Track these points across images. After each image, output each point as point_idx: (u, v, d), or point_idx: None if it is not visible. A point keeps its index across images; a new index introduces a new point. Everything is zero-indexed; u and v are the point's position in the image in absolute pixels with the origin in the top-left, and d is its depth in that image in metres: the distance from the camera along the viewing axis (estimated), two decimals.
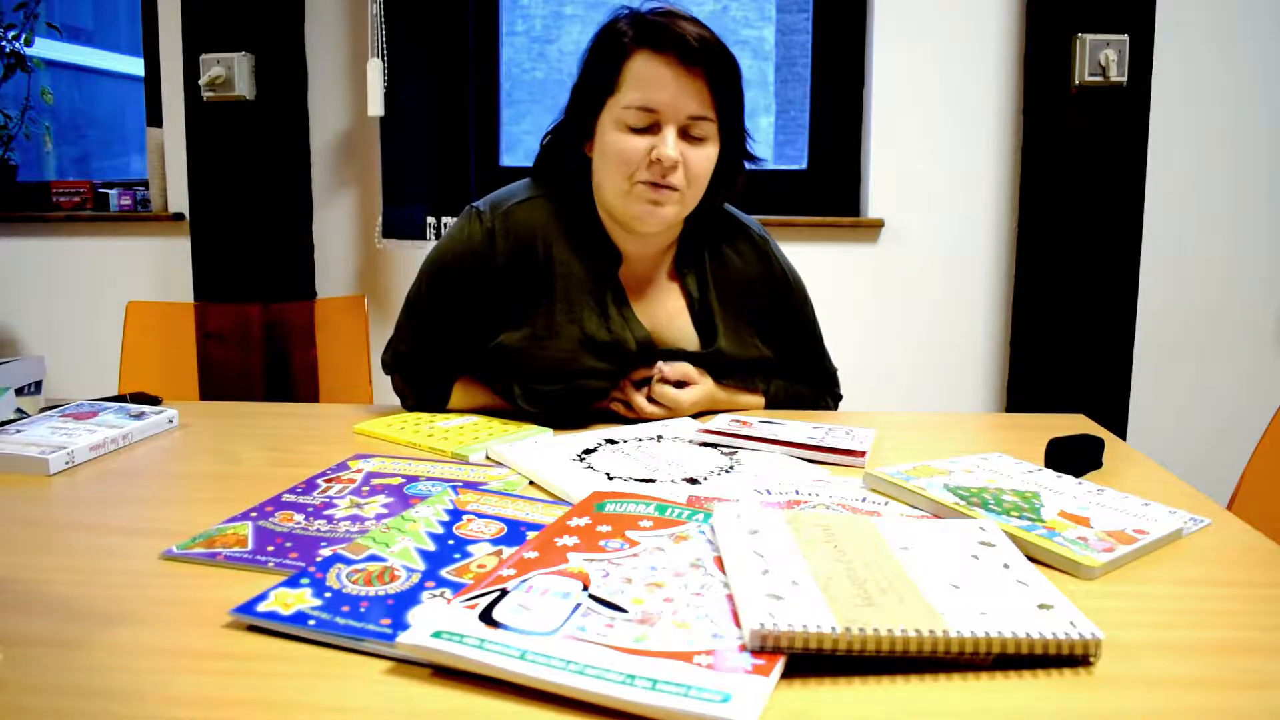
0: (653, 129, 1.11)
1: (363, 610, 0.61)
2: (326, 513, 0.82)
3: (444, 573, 0.68)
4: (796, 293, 1.31)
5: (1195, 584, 0.71)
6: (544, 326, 1.18)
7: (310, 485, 0.90)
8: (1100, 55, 2.11)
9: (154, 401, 1.24)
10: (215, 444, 1.11)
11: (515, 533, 0.76)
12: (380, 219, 2.35)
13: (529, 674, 0.53)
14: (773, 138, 2.63)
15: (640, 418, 1.19)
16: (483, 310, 1.20)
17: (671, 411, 1.20)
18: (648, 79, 1.09)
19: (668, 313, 1.24)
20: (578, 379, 1.17)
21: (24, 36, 2.66)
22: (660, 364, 1.21)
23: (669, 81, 1.09)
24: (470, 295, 1.20)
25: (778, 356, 1.29)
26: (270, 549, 0.74)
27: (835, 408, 1.38)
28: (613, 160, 1.13)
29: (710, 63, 1.10)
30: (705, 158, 1.13)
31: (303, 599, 0.63)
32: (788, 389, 1.32)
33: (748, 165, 1.23)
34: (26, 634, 0.61)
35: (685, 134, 1.11)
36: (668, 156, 1.09)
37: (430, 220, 2.33)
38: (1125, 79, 2.13)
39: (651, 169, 1.11)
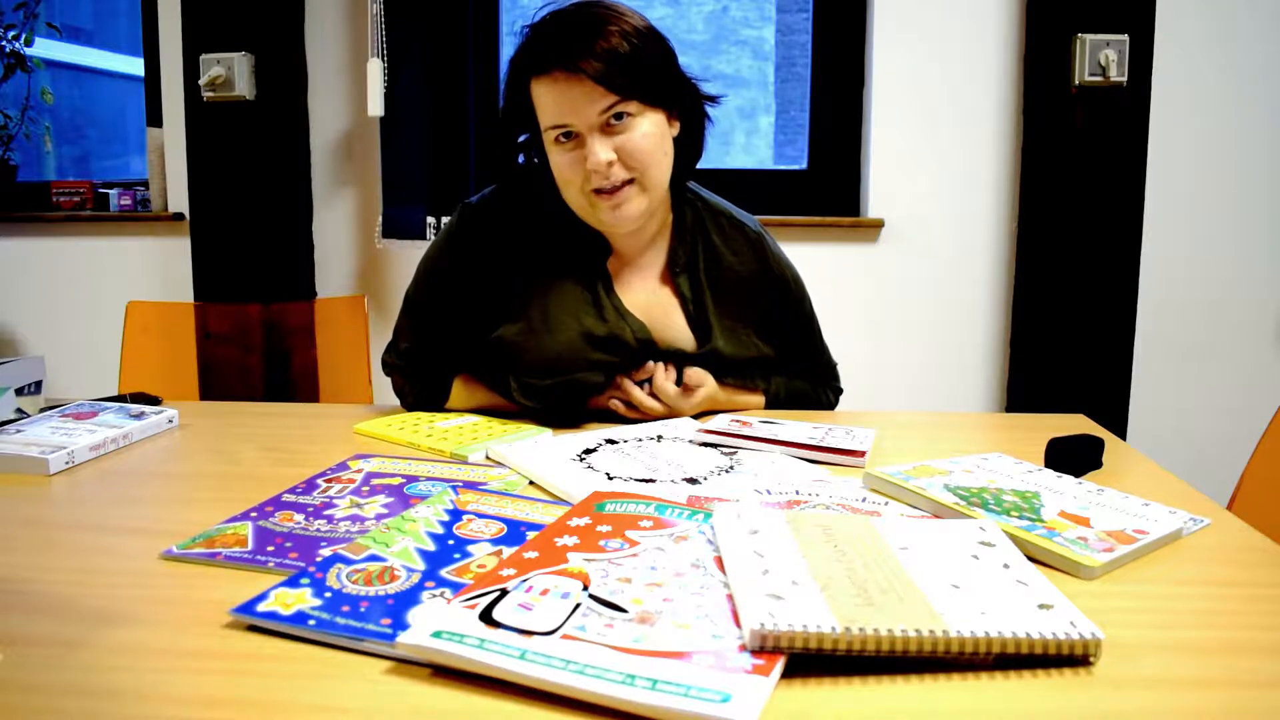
0: (579, 138, 1.10)
1: (363, 610, 0.61)
2: (326, 513, 0.82)
3: (444, 573, 0.68)
4: (794, 289, 1.30)
5: (1195, 584, 0.71)
6: (540, 318, 1.19)
7: (310, 485, 0.90)
8: (1100, 55, 2.11)
9: (154, 401, 1.24)
10: (215, 444, 1.11)
11: (515, 533, 0.76)
12: (380, 219, 2.35)
13: (529, 674, 0.53)
14: (773, 138, 2.63)
15: (640, 417, 1.19)
16: (478, 302, 1.21)
17: (672, 410, 1.20)
18: (549, 102, 1.09)
19: (663, 312, 1.24)
20: (574, 372, 1.18)
21: (24, 36, 2.66)
22: (660, 366, 1.21)
23: (565, 97, 1.08)
24: (466, 287, 1.21)
25: (776, 353, 1.29)
26: (270, 549, 0.74)
27: (836, 401, 1.38)
28: (561, 184, 1.14)
29: (593, 63, 1.06)
30: (641, 135, 1.10)
31: (303, 599, 0.63)
32: (788, 385, 1.32)
33: (709, 107, 1.20)
34: (26, 634, 0.61)
35: (609, 126, 1.09)
36: (599, 164, 1.09)
37: (430, 220, 2.33)
38: (1125, 79, 2.13)
39: (594, 178, 1.10)
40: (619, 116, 1.09)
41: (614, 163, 1.09)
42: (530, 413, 1.19)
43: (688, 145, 1.20)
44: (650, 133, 1.11)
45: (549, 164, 1.15)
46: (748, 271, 1.26)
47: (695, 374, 1.22)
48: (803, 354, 1.34)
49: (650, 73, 1.11)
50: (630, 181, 1.11)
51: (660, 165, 1.14)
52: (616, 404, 1.21)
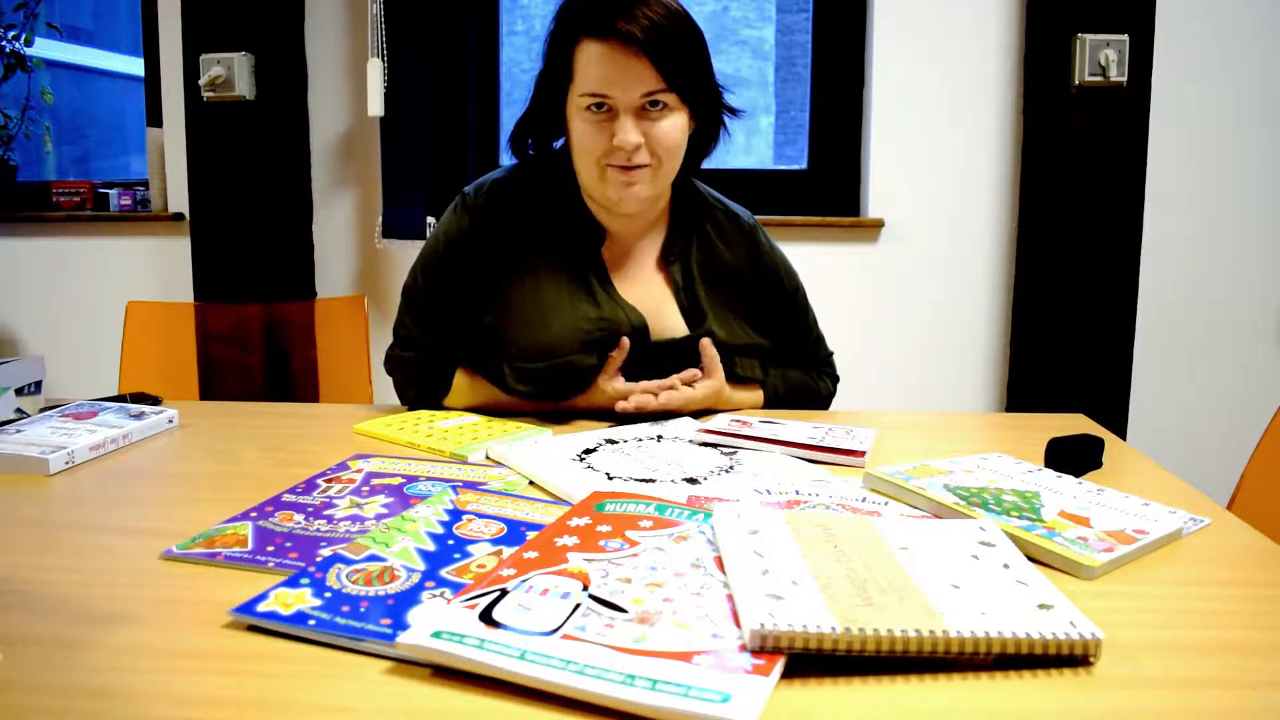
0: (612, 113, 1.11)
1: (363, 610, 0.61)
2: (326, 513, 0.82)
3: (444, 573, 0.68)
4: (786, 280, 1.31)
5: (1195, 584, 0.71)
6: (534, 303, 1.20)
7: (310, 485, 0.90)
8: (1100, 55, 2.11)
9: (154, 401, 1.24)
10: (215, 444, 1.11)
11: (515, 533, 0.76)
12: (380, 219, 2.35)
13: (529, 674, 0.53)
14: (773, 138, 2.63)
15: (643, 416, 1.19)
16: (476, 291, 1.22)
17: (683, 405, 1.19)
18: (594, 67, 1.10)
19: (655, 300, 1.25)
20: (567, 355, 1.18)
21: (24, 36, 2.66)
22: (675, 379, 1.21)
23: (614, 68, 1.09)
24: (463, 277, 1.22)
25: (770, 343, 1.29)
26: (270, 549, 0.74)
27: (833, 389, 1.39)
28: (579, 150, 1.15)
29: (653, 44, 1.08)
30: (671, 127, 1.13)
31: (303, 599, 0.63)
32: (785, 377, 1.32)
33: (728, 118, 1.22)
34: (26, 634, 0.61)
35: (644, 111, 1.11)
36: (627, 143, 1.10)
37: (430, 220, 2.33)
38: (1125, 79, 2.13)
39: (616, 154, 1.12)
40: (656, 104, 1.11)
41: (641, 146, 1.11)
42: (526, 402, 1.19)
43: (696, 148, 1.21)
44: (678, 124, 1.14)
45: (566, 134, 1.16)
46: (741, 263, 1.27)
47: (710, 355, 1.21)
48: (799, 345, 1.34)
49: (696, 73, 1.14)
50: (647, 165, 1.13)
51: (677, 159, 1.17)
52: (625, 406, 1.19)
